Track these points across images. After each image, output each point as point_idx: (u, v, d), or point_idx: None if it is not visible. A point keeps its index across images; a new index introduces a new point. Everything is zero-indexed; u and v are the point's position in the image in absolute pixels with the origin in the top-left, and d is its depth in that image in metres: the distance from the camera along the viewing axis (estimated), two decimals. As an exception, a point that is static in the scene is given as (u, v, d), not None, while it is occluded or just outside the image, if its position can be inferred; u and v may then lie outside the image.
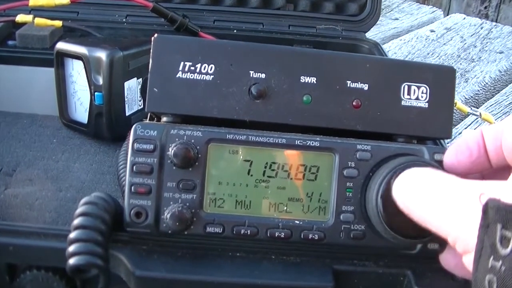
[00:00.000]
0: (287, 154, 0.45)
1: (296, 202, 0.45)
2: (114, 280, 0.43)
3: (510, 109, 1.06)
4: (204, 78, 0.46)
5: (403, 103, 0.47)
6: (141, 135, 0.44)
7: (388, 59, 0.73)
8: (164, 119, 0.46)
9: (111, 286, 0.42)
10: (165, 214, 0.43)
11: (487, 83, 1.15)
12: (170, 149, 0.43)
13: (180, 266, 0.44)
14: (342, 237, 0.45)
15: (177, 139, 0.44)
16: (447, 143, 0.61)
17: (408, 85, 0.47)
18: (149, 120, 0.48)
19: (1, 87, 0.74)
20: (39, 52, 0.76)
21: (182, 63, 0.46)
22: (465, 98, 1.09)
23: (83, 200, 0.44)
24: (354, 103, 0.47)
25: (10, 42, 0.79)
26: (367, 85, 0.47)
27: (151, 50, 0.46)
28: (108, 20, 0.86)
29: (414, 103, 0.47)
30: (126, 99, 0.67)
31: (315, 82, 0.47)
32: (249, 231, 0.44)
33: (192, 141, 0.44)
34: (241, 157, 0.45)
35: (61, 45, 0.67)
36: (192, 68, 0.46)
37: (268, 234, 0.44)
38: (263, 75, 0.46)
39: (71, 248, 0.41)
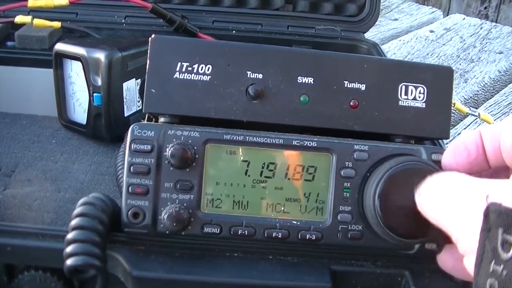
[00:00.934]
0: (285, 155, 0.45)
1: (294, 202, 0.45)
2: (112, 280, 0.43)
3: (509, 109, 1.06)
4: (202, 79, 0.46)
5: (400, 103, 0.47)
6: (138, 136, 0.44)
7: (386, 59, 0.73)
8: (161, 119, 0.47)
9: (109, 286, 0.43)
10: (163, 215, 0.43)
11: (486, 84, 1.15)
12: (167, 149, 0.43)
13: (178, 266, 0.44)
14: (339, 237, 0.45)
15: (174, 140, 0.44)
16: (446, 143, 0.61)
17: (405, 85, 0.47)
18: (147, 120, 0.48)
19: (0, 88, 0.74)
20: (38, 53, 0.76)
21: (179, 63, 0.46)
22: (465, 98, 1.09)
23: (80, 201, 0.44)
24: (351, 103, 0.47)
25: (9, 43, 0.79)
26: (364, 85, 0.47)
27: (149, 51, 0.46)
28: (107, 21, 0.86)
29: (412, 103, 0.47)
30: (124, 100, 0.67)
31: (312, 82, 0.47)
32: (246, 232, 0.44)
33: (190, 141, 0.44)
34: (239, 157, 0.45)
35: (60, 46, 0.67)
36: (190, 68, 0.46)
37: (266, 235, 0.44)
38: (260, 76, 0.46)
39: (69, 249, 0.41)
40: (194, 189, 0.44)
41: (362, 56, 0.66)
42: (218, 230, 0.44)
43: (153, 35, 0.46)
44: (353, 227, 0.45)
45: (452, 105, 0.76)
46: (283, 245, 0.46)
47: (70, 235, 0.42)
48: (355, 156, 0.45)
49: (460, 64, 1.22)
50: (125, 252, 0.44)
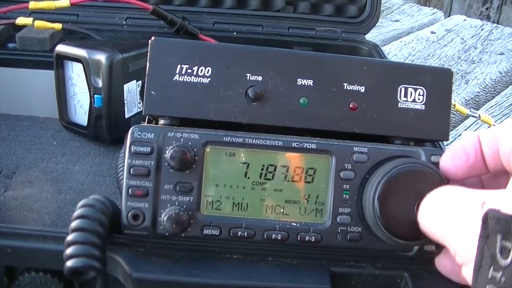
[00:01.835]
0: (284, 157, 0.45)
1: (293, 204, 0.45)
2: (112, 282, 0.43)
3: (510, 111, 1.06)
4: (201, 81, 0.46)
5: (399, 105, 0.47)
6: (138, 138, 0.44)
7: (385, 61, 0.73)
8: (161, 121, 0.47)
9: (109, 288, 0.43)
10: (162, 217, 0.44)
11: (487, 85, 1.15)
12: (167, 151, 0.44)
13: (178, 268, 0.44)
14: (339, 239, 0.45)
15: (174, 142, 0.44)
16: (447, 145, 0.61)
17: (405, 87, 0.47)
18: (147, 123, 0.48)
19: (1, 89, 0.74)
20: (39, 55, 0.76)
21: (179, 66, 0.46)
22: (465, 99, 1.09)
23: (81, 203, 0.44)
24: (351, 105, 0.47)
25: (10, 45, 0.79)
26: (363, 87, 0.47)
27: (148, 53, 0.46)
28: (108, 22, 0.86)
29: (411, 105, 0.47)
30: (125, 102, 0.67)
31: (311, 84, 0.47)
32: (246, 233, 0.44)
33: (189, 143, 0.44)
34: (238, 159, 0.45)
35: (61, 48, 0.67)
36: (189, 71, 0.46)
37: (265, 236, 0.45)
38: (260, 78, 0.46)
39: (69, 251, 0.41)
40: (193, 191, 0.44)
41: (362, 58, 0.66)
42: (218, 232, 0.44)
43: (152, 37, 0.46)
44: (352, 229, 0.45)
45: (452, 106, 0.76)
46: (282, 247, 0.46)
47: (70, 237, 0.42)
48: (354, 158, 0.45)
49: (461, 65, 1.22)
50: (125, 254, 0.45)
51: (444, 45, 1.32)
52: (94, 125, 0.67)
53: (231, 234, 0.44)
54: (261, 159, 0.45)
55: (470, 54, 1.28)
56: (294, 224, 0.45)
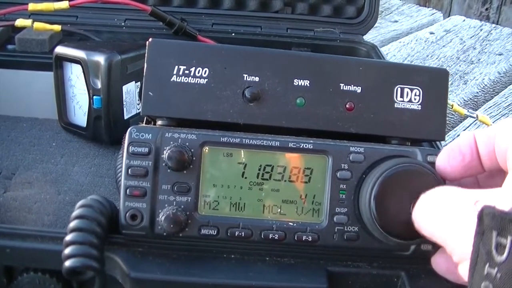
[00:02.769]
0: (281, 157, 0.45)
1: (290, 204, 0.45)
2: (110, 282, 0.44)
3: (509, 111, 1.06)
4: (198, 82, 0.46)
5: (396, 105, 0.48)
6: (136, 139, 0.44)
7: (381, 61, 0.73)
8: (159, 122, 0.47)
9: (107, 288, 0.43)
10: (160, 217, 0.44)
11: (486, 85, 1.15)
12: (164, 152, 0.44)
13: (175, 268, 0.44)
14: (335, 238, 0.45)
15: (171, 142, 0.44)
16: (444, 145, 0.61)
17: (401, 87, 0.48)
18: (145, 123, 0.49)
19: (0, 91, 0.74)
20: (38, 56, 0.76)
21: (176, 67, 0.46)
22: (464, 100, 1.09)
23: (79, 203, 0.44)
24: (347, 106, 0.47)
25: (10, 46, 0.79)
26: (360, 87, 0.47)
27: (146, 54, 0.46)
28: (107, 24, 0.87)
29: (407, 105, 0.48)
30: (124, 103, 0.67)
31: (308, 85, 0.47)
32: (243, 233, 0.45)
33: (187, 144, 0.44)
34: (236, 159, 0.45)
35: (60, 49, 0.68)
36: (187, 71, 0.46)
37: (262, 236, 0.45)
38: (256, 78, 0.46)
39: (67, 251, 0.41)
40: (191, 191, 0.44)
41: (358, 58, 0.66)
42: (215, 232, 0.45)
43: (150, 39, 0.47)
44: (349, 228, 0.45)
45: (450, 107, 0.77)
46: (279, 247, 0.46)
47: (68, 237, 0.42)
48: (351, 158, 0.45)
49: (460, 65, 1.22)
50: (123, 253, 0.45)
51: (443, 46, 1.32)
52: (93, 126, 0.68)
53: (228, 234, 0.45)
54: (258, 159, 0.45)
55: (469, 55, 1.28)
56: (291, 224, 0.45)
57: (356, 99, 0.47)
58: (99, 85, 0.65)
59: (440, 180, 0.43)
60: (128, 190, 0.44)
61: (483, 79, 1.16)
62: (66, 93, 0.70)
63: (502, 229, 0.31)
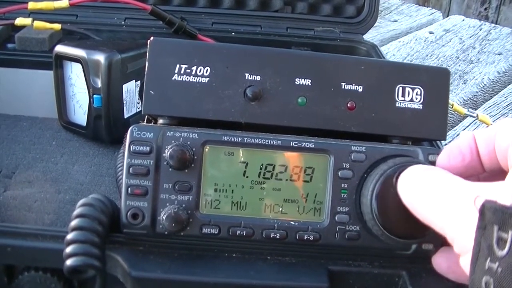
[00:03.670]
0: (283, 156, 0.45)
1: (292, 203, 0.45)
2: (111, 281, 0.44)
3: (508, 111, 1.06)
4: (200, 81, 0.46)
5: (397, 104, 0.48)
6: (137, 137, 0.44)
7: (383, 61, 0.73)
8: (160, 121, 0.47)
9: (108, 286, 0.43)
10: (162, 216, 0.44)
11: (485, 85, 1.15)
12: (166, 151, 0.44)
13: (176, 267, 0.44)
14: (337, 237, 0.45)
15: (173, 141, 0.44)
16: (444, 145, 0.61)
17: (402, 86, 0.48)
18: (146, 122, 0.48)
19: (0, 89, 0.74)
20: (38, 55, 0.76)
21: (178, 65, 0.46)
22: (464, 99, 1.10)
23: (80, 202, 0.44)
24: (348, 105, 0.47)
25: (9, 45, 0.79)
26: (361, 87, 0.47)
27: (147, 53, 0.46)
28: (107, 23, 0.87)
29: (409, 105, 0.48)
30: (124, 102, 0.67)
31: (309, 84, 0.47)
32: (244, 232, 0.45)
33: (188, 143, 0.44)
34: (237, 158, 0.45)
35: (60, 48, 0.68)
36: (188, 70, 0.46)
37: (264, 235, 0.45)
38: (258, 77, 0.46)
39: (68, 250, 0.41)
40: (192, 190, 0.44)
41: (359, 58, 0.66)
42: (217, 230, 0.45)
43: (151, 38, 0.47)
44: (351, 227, 0.45)
45: (450, 106, 0.77)
46: (281, 246, 0.46)
47: (69, 236, 0.42)
48: (352, 157, 0.45)
49: (459, 65, 1.23)
50: (124, 252, 0.45)
51: (443, 45, 1.32)
52: (93, 125, 0.68)
53: (230, 233, 0.45)
54: (259, 159, 0.45)
55: (468, 54, 1.28)
56: (293, 223, 0.45)
57: (357, 98, 0.47)
58: (99, 84, 0.65)
59: None
60: (129, 189, 0.44)
61: (483, 78, 1.16)
62: (66, 92, 0.70)
63: (504, 223, 0.31)
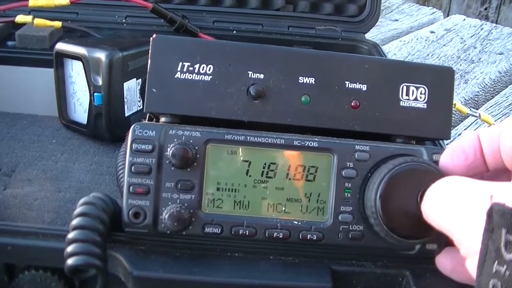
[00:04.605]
0: (286, 155, 0.45)
1: (295, 202, 0.45)
2: (112, 280, 0.43)
3: (510, 110, 1.06)
4: (203, 79, 0.46)
5: (401, 103, 0.47)
6: (139, 136, 0.44)
7: (387, 59, 0.73)
8: (162, 119, 0.47)
9: (110, 286, 0.42)
10: (164, 215, 0.43)
11: (486, 84, 1.15)
12: (168, 149, 0.43)
13: (178, 266, 0.44)
14: (340, 237, 0.45)
15: (175, 140, 0.44)
16: (447, 144, 0.61)
17: (406, 85, 0.47)
18: (148, 120, 0.48)
19: (0, 87, 0.74)
20: (39, 53, 0.76)
21: (180, 63, 0.46)
22: (465, 99, 1.09)
23: (81, 201, 0.44)
24: (352, 104, 0.47)
25: (10, 43, 0.79)
26: (365, 85, 0.47)
27: (150, 51, 0.46)
28: (107, 20, 0.86)
29: (413, 104, 0.47)
30: (125, 100, 0.67)
31: (313, 82, 0.47)
32: (247, 232, 0.44)
33: (191, 141, 0.44)
34: (240, 157, 0.45)
35: (61, 46, 0.67)
36: (191, 68, 0.46)
37: (267, 235, 0.44)
38: (261, 76, 0.46)
39: (70, 249, 0.41)
40: (195, 189, 0.44)
41: (364, 56, 0.66)
42: (219, 230, 0.44)
43: (154, 35, 0.46)
44: (354, 227, 0.45)
45: (453, 105, 0.76)
46: (283, 245, 0.46)
47: (70, 235, 0.41)
48: (356, 156, 0.45)
49: (460, 65, 1.22)
50: (125, 252, 0.44)
51: (444, 45, 1.32)
52: (94, 123, 0.67)
53: (232, 232, 0.44)
54: (262, 157, 0.45)
55: (469, 54, 1.28)
56: (296, 222, 0.45)
57: (361, 97, 0.47)
58: (100, 82, 0.65)
59: None
60: (131, 188, 0.44)
61: (484, 78, 1.16)
62: (66, 90, 0.70)
63: None
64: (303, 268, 0.45)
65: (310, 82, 0.47)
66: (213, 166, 0.45)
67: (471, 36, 1.38)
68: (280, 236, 0.44)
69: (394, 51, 1.27)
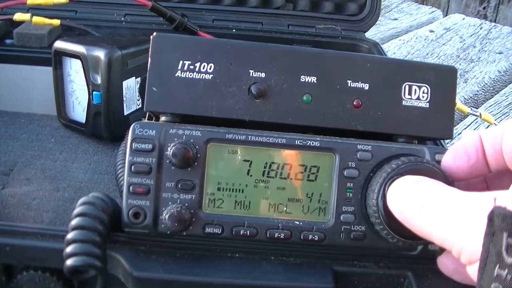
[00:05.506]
0: (287, 154, 0.45)
1: (296, 202, 0.45)
2: (112, 281, 0.43)
3: (509, 110, 1.05)
4: (204, 77, 0.45)
5: (404, 103, 0.47)
6: (139, 135, 0.43)
7: (389, 58, 0.72)
8: (162, 118, 0.46)
9: (109, 287, 0.42)
10: (164, 215, 0.43)
11: (486, 84, 1.15)
12: (168, 149, 0.43)
13: (179, 267, 0.44)
14: (342, 238, 0.44)
15: (176, 139, 0.43)
16: (448, 143, 0.61)
17: (409, 85, 0.47)
18: (148, 119, 0.48)
19: (-2, 86, 0.74)
20: (37, 51, 0.75)
21: (181, 62, 0.45)
22: (465, 98, 1.09)
23: (80, 200, 0.43)
24: (354, 103, 0.46)
25: (8, 41, 0.78)
26: (367, 84, 0.47)
27: (150, 49, 0.45)
28: (106, 19, 0.86)
29: (415, 103, 0.47)
30: (124, 99, 0.67)
31: (315, 81, 0.46)
32: (248, 232, 0.44)
33: (191, 140, 0.44)
34: (241, 157, 0.44)
35: (59, 44, 0.67)
36: (191, 67, 0.45)
37: (268, 235, 0.44)
38: (263, 74, 0.46)
39: (69, 249, 0.40)
40: (195, 189, 0.44)
41: (366, 55, 0.65)
42: (220, 230, 0.44)
43: (154, 33, 0.46)
44: (356, 227, 0.44)
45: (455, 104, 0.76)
46: (285, 246, 0.45)
47: (70, 235, 0.41)
48: (358, 156, 0.45)
49: (460, 64, 1.22)
50: (125, 252, 0.44)
51: (443, 44, 1.32)
52: (93, 122, 0.67)
53: (233, 233, 0.44)
54: (263, 157, 0.44)
55: (469, 53, 1.28)
56: (297, 222, 0.44)
57: (363, 96, 0.46)
58: (99, 80, 0.64)
59: (449, 179, 0.42)
60: (131, 188, 0.43)
61: (483, 77, 1.16)
62: (65, 88, 0.69)
63: None
64: (304, 268, 0.45)
65: (312, 81, 0.46)
66: (213, 166, 0.44)
67: (471, 35, 1.38)
68: (281, 237, 0.44)
69: (393, 50, 1.27)
